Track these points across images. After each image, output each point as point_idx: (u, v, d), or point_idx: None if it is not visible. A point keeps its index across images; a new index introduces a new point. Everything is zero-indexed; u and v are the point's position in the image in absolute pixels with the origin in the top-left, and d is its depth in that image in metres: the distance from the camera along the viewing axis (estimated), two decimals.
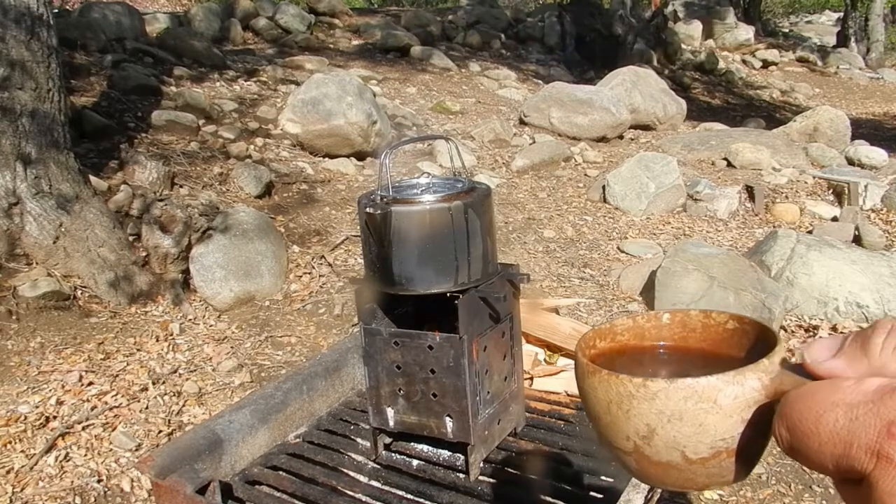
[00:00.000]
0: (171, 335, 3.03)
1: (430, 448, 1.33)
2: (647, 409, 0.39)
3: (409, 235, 1.15)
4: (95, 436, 2.38)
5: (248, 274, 3.38)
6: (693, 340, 0.49)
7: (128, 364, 2.78)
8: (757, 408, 0.38)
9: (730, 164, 5.89)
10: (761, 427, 0.38)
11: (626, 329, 0.50)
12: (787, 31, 18.22)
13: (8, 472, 2.18)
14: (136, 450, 2.34)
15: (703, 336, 0.49)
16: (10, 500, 2.08)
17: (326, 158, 5.00)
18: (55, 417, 2.44)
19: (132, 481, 2.21)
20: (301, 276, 3.62)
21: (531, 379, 1.63)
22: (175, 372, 2.79)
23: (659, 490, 1.23)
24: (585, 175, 5.60)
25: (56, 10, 6.12)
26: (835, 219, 4.87)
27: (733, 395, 0.38)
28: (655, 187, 4.95)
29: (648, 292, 3.56)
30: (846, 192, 5.19)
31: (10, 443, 2.29)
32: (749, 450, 0.39)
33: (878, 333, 0.34)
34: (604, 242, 4.46)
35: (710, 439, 0.38)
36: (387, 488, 1.24)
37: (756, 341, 0.45)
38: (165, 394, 2.64)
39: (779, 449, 0.36)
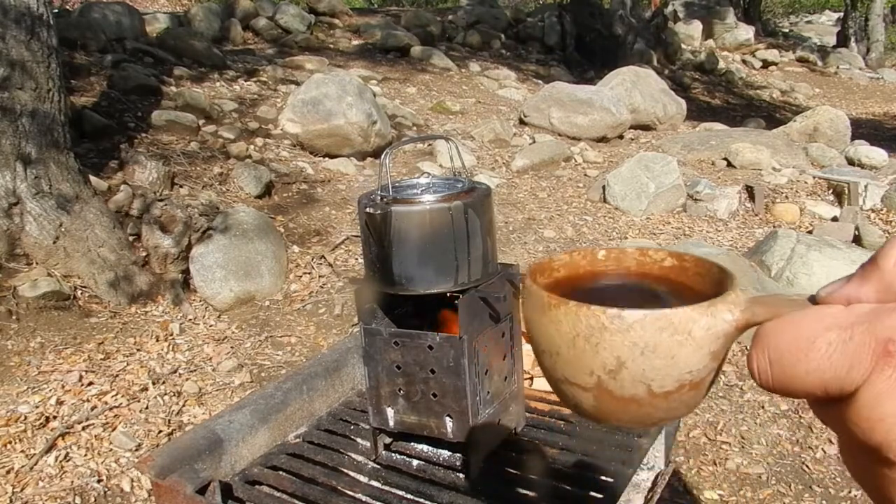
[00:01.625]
0: (171, 335, 3.03)
1: (430, 448, 1.33)
2: (620, 341, 0.37)
3: (409, 235, 1.15)
4: (95, 436, 2.38)
5: (248, 274, 3.38)
6: (630, 277, 0.48)
7: (128, 364, 2.78)
8: (724, 340, 0.37)
9: (730, 164, 5.89)
10: (721, 359, 0.38)
11: (563, 265, 0.49)
12: (787, 31, 18.22)
13: (8, 472, 2.18)
14: (136, 450, 2.34)
15: (639, 273, 0.48)
16: (10, 500, 2.08)
17: (326, 158, 5.00)
18: (55, 417, 2.44)
19: (132, 481, 2.21)
20: (301, 276, 3.62)
21: (531, 379, 1.63)
22: (175, 372, 2.79)
23: (659, 490, 1.23)
24: (585, 175, 5.60)
25: (56, 10, 6.12)
26: (835, 219, 4.87)
27: (706, 327, 0.36)
28: (655, 187, 4.95)
29: None
30: (846, 192, 5.19)
31: (10, 443, 2.29)
32: (707, 382, 0.39)
33: (892, 245, 0.32)
34: (604, 242, 4.46)
35: (678, 372, 0.37)
36: (387, 488, 1.24)
37: (701, 277, 0.44)
38: (165, 394, 2.64)
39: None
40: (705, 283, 0.44)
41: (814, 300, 0.34)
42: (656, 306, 0.37)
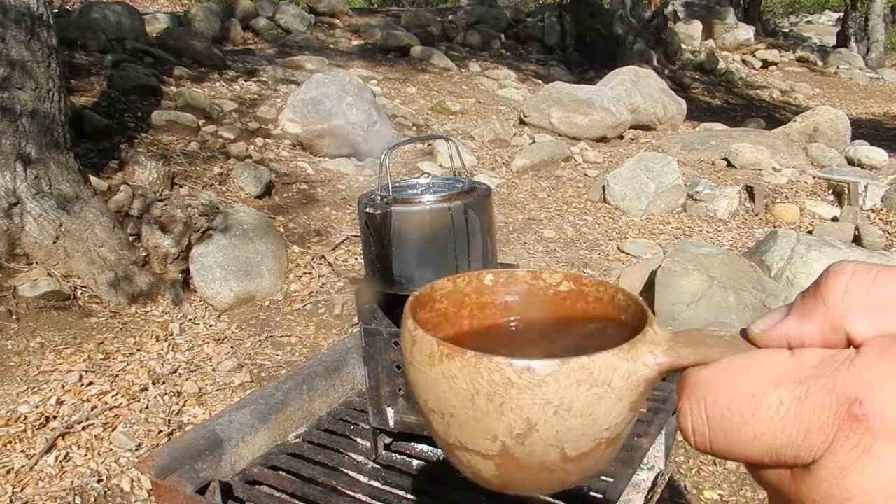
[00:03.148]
0: (171, 335, 3.03)
1: (430, 448, 1.33)
2: (530, 399, 0.30)
3: (409, 235, 1.15)
4: (95, 436, 2.38)
5: (248, 274, 3.38)
6: (519, 306, 0.41)
7: (128, 364, 2.78)
8: (645, 387, 0.32)
9: (730, 164, 5.89)
10: (639, 409, 0.32)
11: (446, 295, 0.41)
12: (787, 31, 18.22)
13: (8, 472, 2.18)
14: (136, 450, 2.34)
15: (532, 300, 0.41)
16: (10, 500, 2.08)
17: (326, 158, 5.00)
18: (55, 417, 2.44)
19: (132, 481, 2.21)
20: (301, 276, 3.62)
21: None
22: (175, 372, 2.79)
23: (659, 490, 1.23)
24: (585, 175, 5.61)
25: (56, 10, 6.12)
26: (835, 219, 4.87)
27: (627, 375, 0.31)
28: (655, 187, 4.95)
29: (648, 292, 3.56)
30: (846, 192, 5.19)
31: (10, 443, 2.29)
32: (625, 435, 0.33)
33: (837, 276, 0.27)
34: (604, 242, 4.46)
35: (596, 430, 0.32)
36: (387, 488, 1.24)
37: (602, 304, 0.38)
38: (165, 394, 2.64)
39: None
40: (607, 310, 0.38)
41: (745, 335, 0.30)
42: (558, 346, 0.33)
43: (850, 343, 0.26)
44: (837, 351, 0.26)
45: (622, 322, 0.35)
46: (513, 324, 0.41)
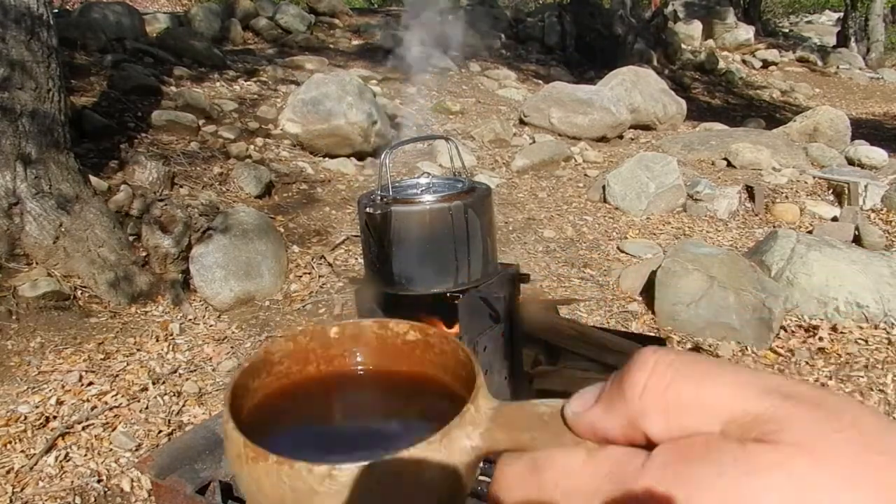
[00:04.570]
0: (171, 335, 3.03)
1: None
2: None
3: (409, 235, 1.15)
4: (95, 436, 2.38)
5: (248, 274, 3.38)
6: (372, 359, 0.39)
7: (128, 364, 2.78)
8: (465, 472, 0.30)
9: (730, 164, 5.89)
10: (464, 489, 0.31)
11: (286, 355, 0.38)
12: (787, 31, 18.22)
13: (8, 472, 2.18)
14: (136, 450, 2.34)
15: (382, 352, 0.39)
16: (10, 500, 2.08)
17: (326, 158, 5.00)
18: (55, 417, 2.44)
19: (132, 481, 2.21)
20: (301, 276, 3.62)
21: (531, 379, 1.63)
22: (175, 372, 2.79)
23: None
24: (585, 175, 5.60)
25: (56, 10, 6.11)
26: (835, 219, 4.87)
27: (440, 467, 0.29)
28: (655, 187, 4.95)
29: (648, 292, 3.56)
30: (846, 192, 5.19)
31: (10, 443, 2.29)
32: None
33: (637, 370, 0.26)
34: (604, 242, 4.46)
35: None
36: None
37: (446, 356, 0.37)
38: (165, 394, 2.64)
39: None
40: (450, 363, 0.36)
41: (562, 414, 0.29)
42: (396, 409, 0.31)
43: (648, 441, 0.26)
44: (630, 456, 0.25)
45: (461, 378, 0.34)
46: (358, 375, 0.40)
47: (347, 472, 0.28)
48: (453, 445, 0.29)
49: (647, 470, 0.24)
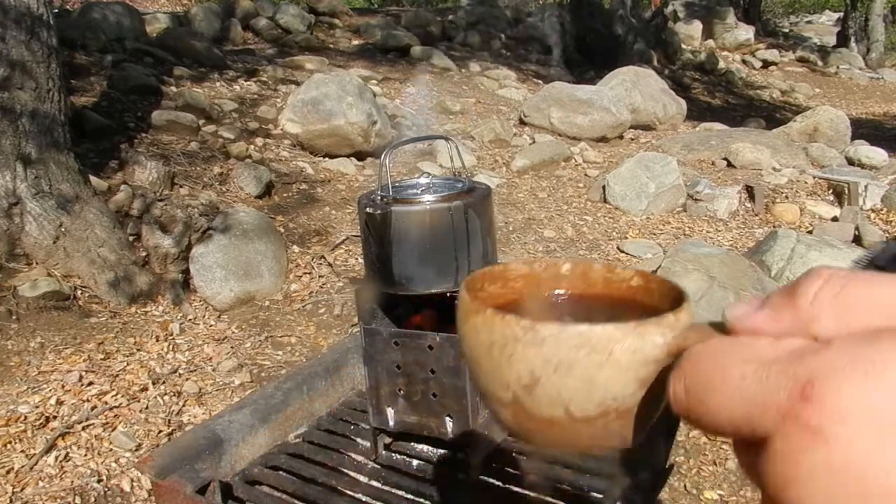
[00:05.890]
0: (171, 335, 3.03)
1: (430, 448, 1.33)
2: (533, 354, 0.34)
3: (409, 235, 1.15)
4: (95, 436, 2.38)
5: (248, 274, 3.38)
6: (595, 295, 0.45)
7: (128, 364, 2.78)
8: (654, 367, 0.34)
9: (730, 164, 5.89)
10: (656, 389, 0.34)
11: (521, 276, 0.45)
12: (787, 31, 18.22)
13: (8, 472, 2.18)
14: (136, 450, 2.34)
15: (605, 291, 0.45)
16: (10, 500, 2.08)
17: (326, 158, 5.00)
18: (55, 417, 2.44)
19: (132, 481, 2.21)
20: (301, 276, 3.62)
21: None
22: (175, 372, 2.79)
23: (659, 490, 1.23)
24: (585, 175, 5.61)
25: (56, 10, 6.11)
26: (835, 219, 4.87)
27: (632, 349, 0.33)
28: (655, 187, 4.95)
29: None
30: (846, 192, 5.19)
31: (10, 443, 2.29)
32: (640, 413, 0.35)
33: (810, 280, 0.28)
34: (604, 242, 4.46)
35: (599, 396, 0.34)
36: (387, 488, 1.24)
37: (664, 300, 0.41)
38: (165, 394, 2.64)
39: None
40: (665, 302, 0.41)
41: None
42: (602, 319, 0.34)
43: None
44: (814, 343, 0.27)
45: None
46: (580, 307, 0.45)
47: (547, 328, 0.34)
48: (647, 336, 0.33)
49: (827, 349, 0.25)
